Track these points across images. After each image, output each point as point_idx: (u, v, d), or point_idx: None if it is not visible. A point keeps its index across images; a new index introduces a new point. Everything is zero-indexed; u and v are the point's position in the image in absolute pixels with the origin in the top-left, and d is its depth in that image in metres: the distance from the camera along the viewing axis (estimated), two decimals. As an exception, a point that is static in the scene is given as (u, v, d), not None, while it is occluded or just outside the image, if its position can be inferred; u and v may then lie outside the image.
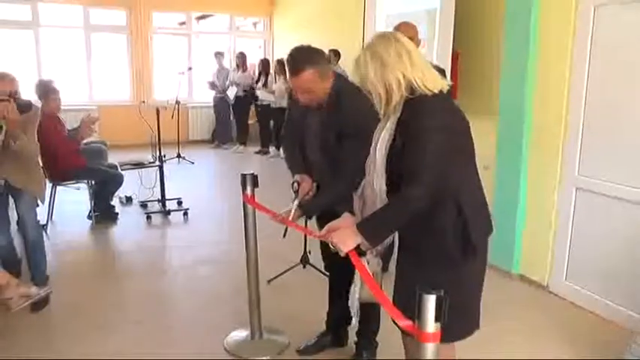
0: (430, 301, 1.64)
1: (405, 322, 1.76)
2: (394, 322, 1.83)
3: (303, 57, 2.71)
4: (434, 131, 1.99)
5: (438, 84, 2.07)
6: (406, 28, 3.79)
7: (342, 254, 2.13)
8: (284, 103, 8.89)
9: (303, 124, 3.00)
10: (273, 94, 9.85)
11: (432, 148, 1.97)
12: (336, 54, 8.34)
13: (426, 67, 2.10)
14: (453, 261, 2.11)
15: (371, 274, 2.15)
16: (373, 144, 2.20)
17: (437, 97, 2.06)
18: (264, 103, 10.22)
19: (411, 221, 2.06)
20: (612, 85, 3.67)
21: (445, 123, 2.03)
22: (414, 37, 3.67)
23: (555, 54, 4.03)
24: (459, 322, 1.96)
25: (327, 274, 3.46)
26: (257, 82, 10.41)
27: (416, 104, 2.03)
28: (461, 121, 2.13)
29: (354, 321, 2.63)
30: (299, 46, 2.79)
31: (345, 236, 2.13)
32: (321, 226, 2.89)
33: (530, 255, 4.40)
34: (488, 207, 2.26)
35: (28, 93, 4.79)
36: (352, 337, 3.27)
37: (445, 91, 2.11)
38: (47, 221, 5.60)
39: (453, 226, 2.07)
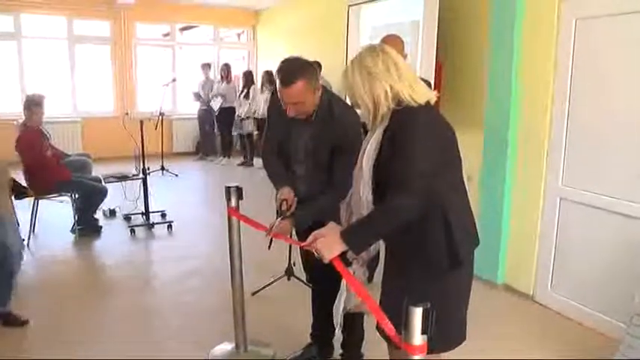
0: (417, 314, 1.63)
1: (393, 331, 1.75)
2: (380, 334, 1.82)
3: (294, 68, 2.68)
4: (423, 141, 2.00)
5: (425, 96, 2.08)
6: (392, 42, 3.79)
7: (326, 261, 2.10)
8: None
9: (288, 137, 2.98)
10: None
11: (422, 158, 1.98)
12: (318, 65, 8.32)
13: (414, 79, 2.11)
14: (439, 272, 2.10)
15: (356, 282, 2.13)
16: (360, 153, 2.20)
17: (424, 108, 2.06)
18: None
19: (398, 231, 2.05)
20: (595, 96, 3.72)
21: (433, 134, 2.04)
22: (400, 52, 3.66)
23: (539, 66, 4.07)
24: (445, 333, 1.96)
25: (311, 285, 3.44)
26: (240, 94, 10.39)
27: (404, 115, 2.03)
28: (448, 133, 2.14)
29: (337, 331, 2.60)
30: (290, 57, 2.76)
31: (330, 243, 2.10)
32: (301, 238, 2.88)
33: (515, 265, 4.42)
34: (474, 218, 2.27)
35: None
36: (337, 349, 3.26)
37: (432, 102, 2.12)
38: (29, 235, 5.53)
39: (440, 238, 2.07)
